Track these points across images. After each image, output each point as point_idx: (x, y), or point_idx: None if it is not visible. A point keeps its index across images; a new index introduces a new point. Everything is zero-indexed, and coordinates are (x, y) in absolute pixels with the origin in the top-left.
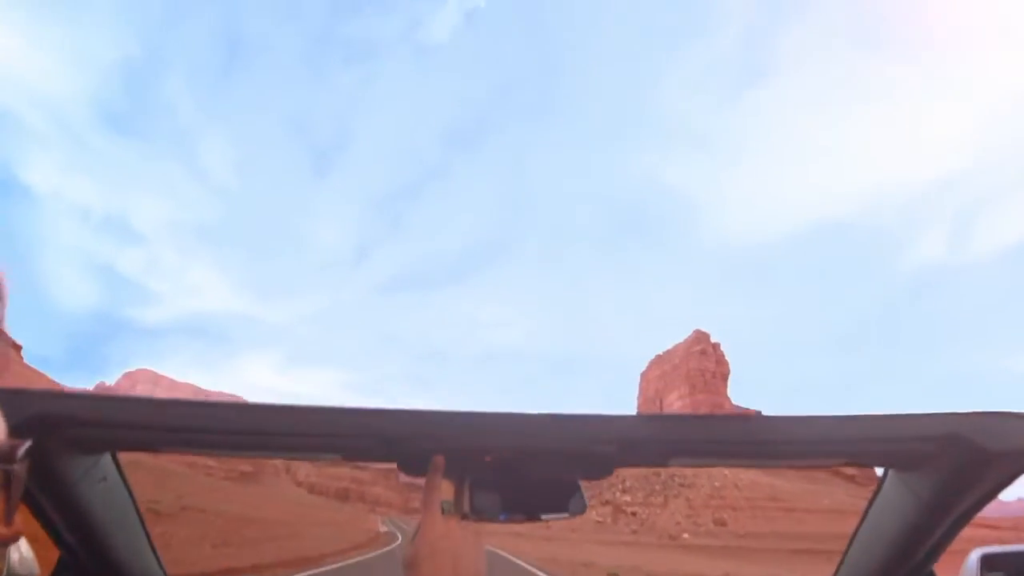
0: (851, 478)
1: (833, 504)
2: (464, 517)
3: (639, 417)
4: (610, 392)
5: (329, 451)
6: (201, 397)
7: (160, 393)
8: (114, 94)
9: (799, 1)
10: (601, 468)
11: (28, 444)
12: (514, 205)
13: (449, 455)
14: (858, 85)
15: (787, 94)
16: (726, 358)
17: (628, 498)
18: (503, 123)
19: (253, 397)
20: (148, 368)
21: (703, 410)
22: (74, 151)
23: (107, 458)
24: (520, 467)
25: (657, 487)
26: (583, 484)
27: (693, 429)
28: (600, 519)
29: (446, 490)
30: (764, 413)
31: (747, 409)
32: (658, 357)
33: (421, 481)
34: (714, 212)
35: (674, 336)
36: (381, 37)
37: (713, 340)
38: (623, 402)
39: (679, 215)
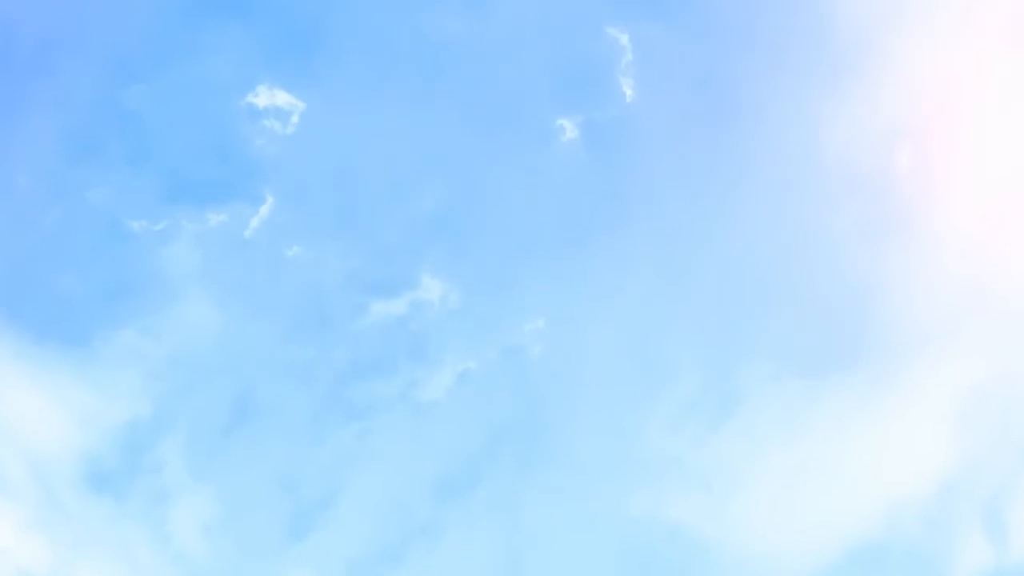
0: None
1: None
2: None
3: None
4: None
5: None
6: None
7: None
8: (107, 453)
9: (744, 345)
10: None
11: None
12: (511, 561)
13: None
14: (826, 406)
15: (760, 422)
16: None
17: None
18: (495, 471)
19: None
20: None
21: None
22: (42, 507)
23: None
24: None
25: None
26: None
27: None
28: None
29: None
30: None
31: None
32: None
33: None
34: (729, 549)
35: None
36: (380, 397)
37: None
38: None
39: (692, 556)
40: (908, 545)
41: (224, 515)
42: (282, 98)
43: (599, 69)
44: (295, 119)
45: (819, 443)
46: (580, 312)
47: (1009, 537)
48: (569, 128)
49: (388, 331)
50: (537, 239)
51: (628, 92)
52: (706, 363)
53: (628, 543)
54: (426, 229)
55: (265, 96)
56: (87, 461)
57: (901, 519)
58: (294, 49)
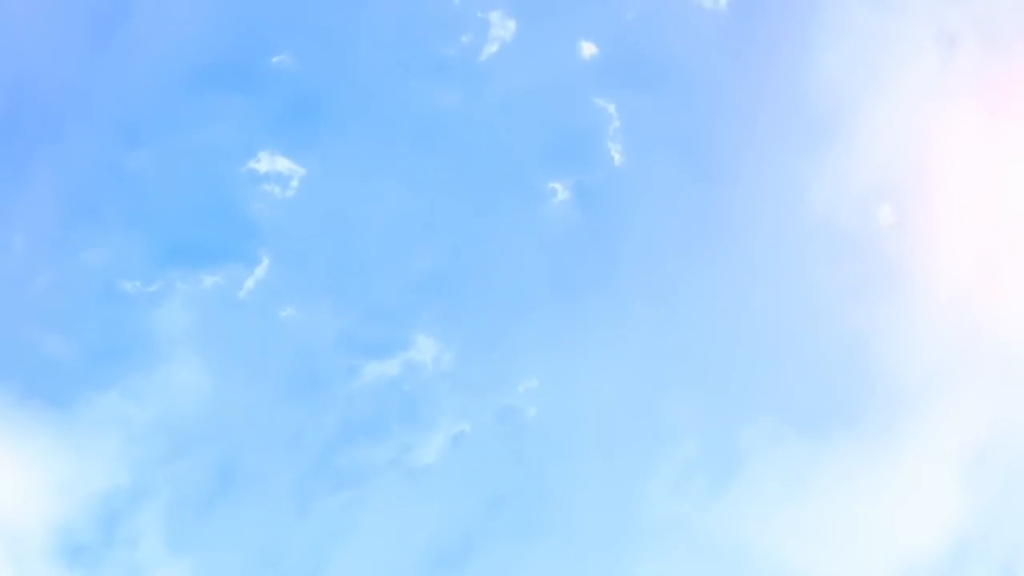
0: None
1: None
2: None
3: None
4: None
5: None
6: None
7: None
8: (82, 524)
9: (743, 404)
10: None
11: None
12: None
13: None
14: (830, 465)
15: (764, 483)
16: None
17: None
18: (491, 540)
19: None
20: None
21: None
22: None
23: None
24: None
25: None
26: None
27: None
28: None
29: None
30: None
31: None
32: None
33: None
34: None
35: None
36: (371, 463)
37: None
38: None
39: None
40: None
41: None
42: (283, 164)
43: (588, 136)
44: (294, 183)
45: (826, 503)
46: (575, 372)
47: None
48: (560, 191)
49: (380, 393)
50: (531, 299)
51: (616, 156)
52: (705, 424)
53: None
54: (420, 290)
55: (266, 162)
56: (61, 532)
57: None
58: (297, 118)
